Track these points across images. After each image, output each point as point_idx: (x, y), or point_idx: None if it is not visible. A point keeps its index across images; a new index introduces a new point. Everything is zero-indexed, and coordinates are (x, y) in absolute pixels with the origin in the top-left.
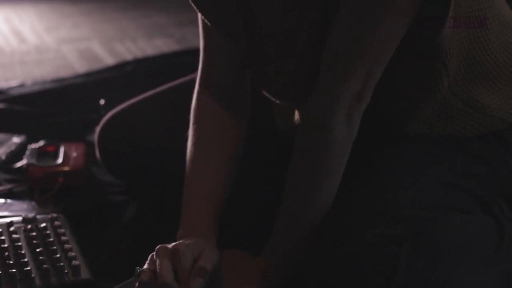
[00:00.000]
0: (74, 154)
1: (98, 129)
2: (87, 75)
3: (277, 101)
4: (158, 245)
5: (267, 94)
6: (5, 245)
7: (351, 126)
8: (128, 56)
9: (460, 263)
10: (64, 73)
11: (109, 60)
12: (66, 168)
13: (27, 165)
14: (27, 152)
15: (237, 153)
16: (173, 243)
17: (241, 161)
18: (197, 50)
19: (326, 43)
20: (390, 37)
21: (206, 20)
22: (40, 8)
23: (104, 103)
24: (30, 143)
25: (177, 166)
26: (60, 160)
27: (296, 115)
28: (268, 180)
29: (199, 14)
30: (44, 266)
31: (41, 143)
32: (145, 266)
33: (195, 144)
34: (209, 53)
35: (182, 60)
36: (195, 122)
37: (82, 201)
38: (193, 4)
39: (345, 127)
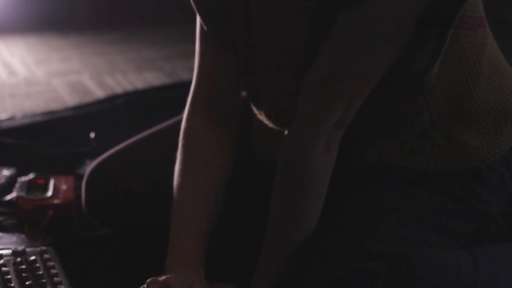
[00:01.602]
0: (64, 187)
1: (83, 181)
2: (77, 108)
3: (266, 121)
4: (148, 278)
5: (255, 110)
6: None
7: (331, 153)
8: (118, 89)
9: None
10: (54, 106)
11: (99, 93)
12: (55, 201)
13: (17, 198)
14: (17, 185)
15: (226, 180)
16: (163, 276)
17: (228, 189)
18: (187, 83)
19: (311, 69)
20: (377, 69)
21: (207, 29)
22: (30, 41)
23: (95, 136)
24: (20, 176)
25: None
26: (50, 193)
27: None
28: (252, 210)
29: (198, 28)
30: None
31: (31, 176)
32: None
33: (183, 170)
34: (204, 70)
35: (172, 94)
36: (184, 146)
37: (72, 234)
38: (198, 14)
39: (325, 155)
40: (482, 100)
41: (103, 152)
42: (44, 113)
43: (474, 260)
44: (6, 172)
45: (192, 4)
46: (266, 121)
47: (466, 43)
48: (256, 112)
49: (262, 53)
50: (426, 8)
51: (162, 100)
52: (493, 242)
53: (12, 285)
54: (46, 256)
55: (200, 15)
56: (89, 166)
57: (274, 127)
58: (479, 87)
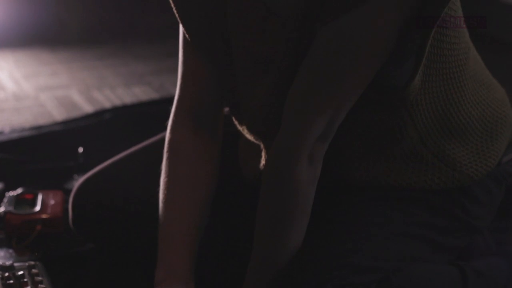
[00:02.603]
0: (52, 202)
1: (70, 198)
2: (66, 122)
3: (246, 134)
4: None
5: (237, 123)
6: None
7: (315, 166)
8: (107, 104)
9: None
10: (42, 120)
11: (87, 108)
12: (43, 216)
13: (5, 212)
14: (5, 200)
15: (212, 192)
16: None
17: (214, 200)
18: None
19: (293, 83)
20: (358, 82)
21: (188, 37)
22: (19, 56)
23: (83, 151)
24: (8, 190)
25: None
26: (38, 207)
27: (262, 161)
28: (238, 226)
29: (181, 37)
30: None
31: (19, 190)
32: None
33: (169, 183)
34: (187, 79)
35: (160, 108)
36: (169, 158)
37: (60, 249)
38: (180, 23)
39: (308, 168)
40: (469, 114)
41: (91, 167)
42: (32, 128)
43: (463, 275)
44: None
45: (175, 12)
46: (248, 135)
47: (449, 56)
48: (238, 127)
49: (241, 63)
50: (407, 19)
51: (150, 115)
52: (482, 257)
53: None
54: (34, 271)
55: (182, 24)
56: (76, 183)
57: (255, 141)
58: (465, 101)
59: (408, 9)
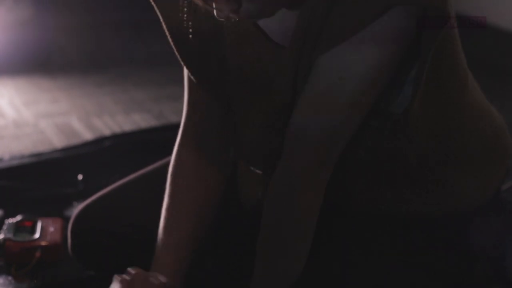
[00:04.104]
0: (51, 229)
1: (69, 225)
2: (65, 150)
3: (247, 163)
4: None
5: (238, 154)
6: None
7: (316, 195)
8: (106, 131)
9: None
10: (42, 148)
11: (87, 135)
12: (43, 243)
13: (4, 239)
14: (4, 227)
15: (212, 218)
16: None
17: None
18: (175, 126)
19: (293, 112)
20: (357, 110)
21: (189, 72)
22: (19, 83)
23: (82, 178)
24: (8, 217)
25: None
26: (37, 235)
27: (262, 189)
28: (235, 253)
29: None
30: None
31: (19, 217)
32: None
33: (169, 208)
34: (192, 103)
35: (160, 136)
36: (172, 182)
37: (59, 276)
38: (177, 53)
39: (310, 197)
40: (468, 142)
41: (90, 194)
42: (32, 155)
43: None
44: None
45: (176, 54)
46: (252, 167)
47: (448, 83)
48: (239, 157)
49: (240, 93)
50: (406, 44)
51: (150, 143)
52: (482, 286)
53: None
54: None
55: (183, 62)
56: (75, 210)
57: (255, 169)
58: (464, 129)
59: (406, 38)
